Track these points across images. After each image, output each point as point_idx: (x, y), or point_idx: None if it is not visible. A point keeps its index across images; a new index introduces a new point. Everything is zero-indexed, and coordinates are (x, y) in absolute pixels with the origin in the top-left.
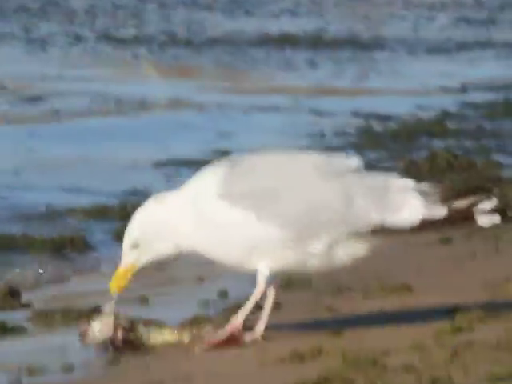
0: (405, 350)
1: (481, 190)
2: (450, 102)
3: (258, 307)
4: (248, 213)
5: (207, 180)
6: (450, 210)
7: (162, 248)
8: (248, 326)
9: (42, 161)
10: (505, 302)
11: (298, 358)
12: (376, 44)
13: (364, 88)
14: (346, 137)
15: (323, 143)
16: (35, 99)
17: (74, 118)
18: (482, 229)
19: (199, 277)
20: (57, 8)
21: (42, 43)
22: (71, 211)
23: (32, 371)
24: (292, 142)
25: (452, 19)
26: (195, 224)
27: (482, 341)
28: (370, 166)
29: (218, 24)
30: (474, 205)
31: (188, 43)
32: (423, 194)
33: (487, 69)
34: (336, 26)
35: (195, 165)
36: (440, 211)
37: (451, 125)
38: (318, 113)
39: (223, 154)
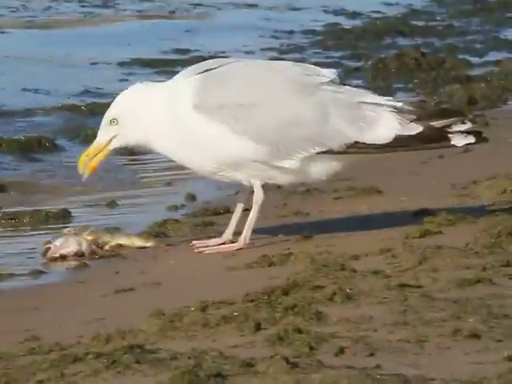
0: (373, 255)
1: (456, 113)
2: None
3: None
4: (223, 127)
5: (182, 88)
6: (425, 129)
7: (134, 136)
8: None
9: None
10: (473, 204)
11: (267, 262)
12: None
13: None
14: (314, 35)
15: (291, 41)
16: None
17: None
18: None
19: (168, 181)
20: None
21: None
22: (32, 111)
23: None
24: (260, 40)
25: None
26: (169, 131)
27: (451, 245)
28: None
29: None
30: (448, 126)
31: None
32: (399, 111)
33: None
34: None
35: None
36: (415, 129)
37: (419, 22)
38: (291, 8)
39: (184, 52)
